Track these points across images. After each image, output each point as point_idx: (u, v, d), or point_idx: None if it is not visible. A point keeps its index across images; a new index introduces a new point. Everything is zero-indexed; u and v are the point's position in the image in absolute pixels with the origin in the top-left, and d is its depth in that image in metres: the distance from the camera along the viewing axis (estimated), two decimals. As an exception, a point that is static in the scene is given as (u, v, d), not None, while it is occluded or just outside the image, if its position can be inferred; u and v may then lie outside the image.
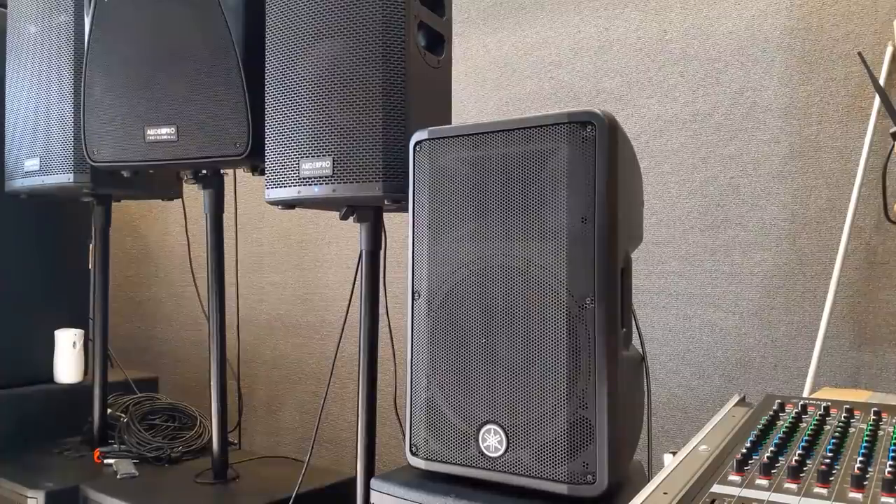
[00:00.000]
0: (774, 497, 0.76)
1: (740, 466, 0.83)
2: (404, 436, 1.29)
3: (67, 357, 2.26)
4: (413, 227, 1.28)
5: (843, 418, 0.99)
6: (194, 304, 2.51)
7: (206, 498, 1.74)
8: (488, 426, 1.18)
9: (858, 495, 0.75)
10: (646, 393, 1.34)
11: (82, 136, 1.73)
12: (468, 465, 1.20)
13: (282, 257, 2.89)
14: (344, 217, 1.52)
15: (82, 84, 1.73)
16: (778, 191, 1.93)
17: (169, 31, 1.63)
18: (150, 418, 2.14)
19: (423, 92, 1.46)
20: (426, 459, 1.25)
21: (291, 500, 1.63)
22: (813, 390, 1.74)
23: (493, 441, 1.18)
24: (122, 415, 2.11)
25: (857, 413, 1.03)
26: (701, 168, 2.04)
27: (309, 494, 1.72)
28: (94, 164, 1.75)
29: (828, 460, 0.82)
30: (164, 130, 1.63)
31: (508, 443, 1.16)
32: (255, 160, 1.60)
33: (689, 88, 2.06)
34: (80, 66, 1.77)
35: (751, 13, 1.98)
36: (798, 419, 1.00)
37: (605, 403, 1.10)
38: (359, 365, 1.54)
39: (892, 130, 1.63)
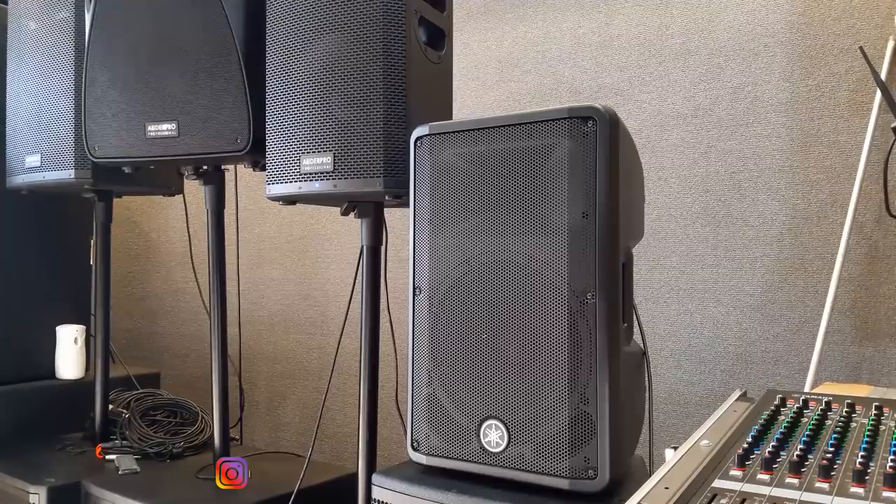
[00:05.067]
0: (776, 492, 0.76)
1: (742, 461, 0.83)
2: (406, 431, 1.29)
3: (69, 353, 2.26)
4: (414, 222, 1.28)
5: (844, 413, 0.99)
6: (195, 300, 2.51)
7: (207, 494, 1.74)
8: (490, 421, 1.19)
9: (860, 490, 0.75)
10: (647, 388, 1.34)
11: (83, 133, 1.73)
12: (470, 461, 1.21)
13: (283, 253, 2.89)
14: (345, 213, 1.52)
15: (83, 80, 1.73)
16: (779, 185, 1.93)
17: (169, 27, 1.62)
18: (151, 414, 2.15)
19: (424, 87, 1.45)
20: (428, 455, 1.25)
21: (293, 496, 1.64)
22: (814, 385, 1.74)
23: (494, 436, 1.18)
24: (124, 410, 2.11)
25: (858, 408, 1.03)
26: (702, 163, 2.03)
27: (310, 490, 1.72)
28: (94, 160, 1.75)
29: (829, 455, 0.82)
30: (164, 126, 1.63)
31: (510, 438, 1.16)
32: (256, 156, 1.60)
33: (691, 83, 2.06)
34: (81, 62, 1.77)
35: (752, 7, 1.97)
36: (799, 414, 1.00)
37: (606, 398, 1.10)
38: (360, 360, 1.54)
39: (893, 125, 1.63)
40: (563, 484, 1.12)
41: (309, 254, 2.81)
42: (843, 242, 1.77)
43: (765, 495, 0.75)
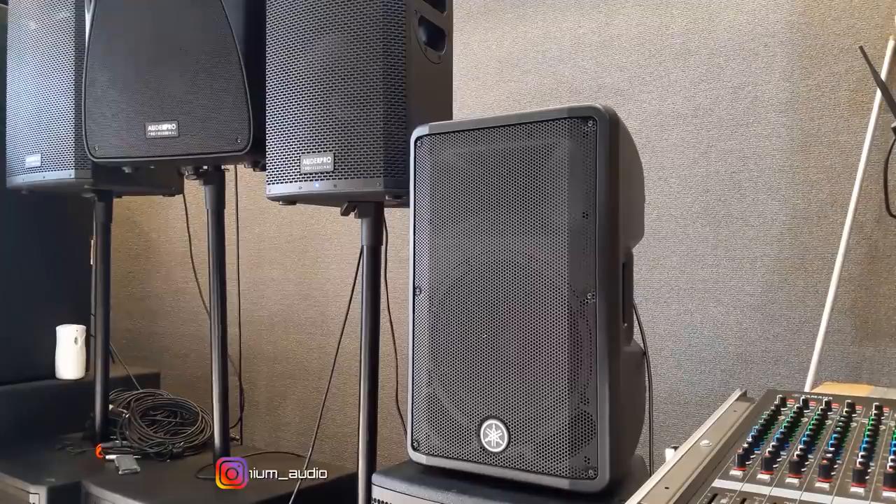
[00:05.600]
0: (776, 492, 0.76)
1: (742, 461, 0.83)
2: (406, 431, 1.29)
3: (69, 353, 2.26)
4: (414, 222, 1.28)
5: (844, 413, 0.99)
6: (196, 300, 2.51)
7: (207, 493, 1.74)
8: (490, 421, 1.19)
9: (860, 490, 0.75)
10: (647, 388, 1.34)
11: (83, 133, 1.73)
12: (470, 461, 1.21)
13: (283, 253, 2.89)
14: (345, 213, 1.52)
15: (83, 80, 1.73)
16: (779, 185, 1.93)
17: (169, 27, 1.62)
18: (151, 414, 2.15)
19: (424, 87, 1.45)
20: (428, 455, 1.25)
21: (293, 496, 1.64)
22: (814, 385, 1.74)
23: (494, 436, 1.18)
24: (124, 410, 2.11)
25: (858, 408, 1.03)
26: (702, 163, 2.03)
27: (310, 490, 1.72)
28: (95, 160, 1.75)
29: (829, 455, 0.82)
30: (165, 126, 1.63)
31: (510, 438, 1.16)
32: (256, 156, 1.60)
33: (691, 83, 2.06)
34: (81, 62, 1.77)
35: (752, 7, 1.97)
36: (799, 414, 1.00)
37: (606, 398, 1.10)
38: (360, 360, 1.54)
39: (893, 125, 1.63)
40: (563, 484, 1.12)
41: (309, 254, 2.81)
42: (843, 242, 1.77)
43: (765, 495, 0.75)
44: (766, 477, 0.80)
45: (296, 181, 1.45)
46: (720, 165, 2.01)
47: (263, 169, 1.55)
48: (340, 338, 1.71)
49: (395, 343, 1.68)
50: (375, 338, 1.55)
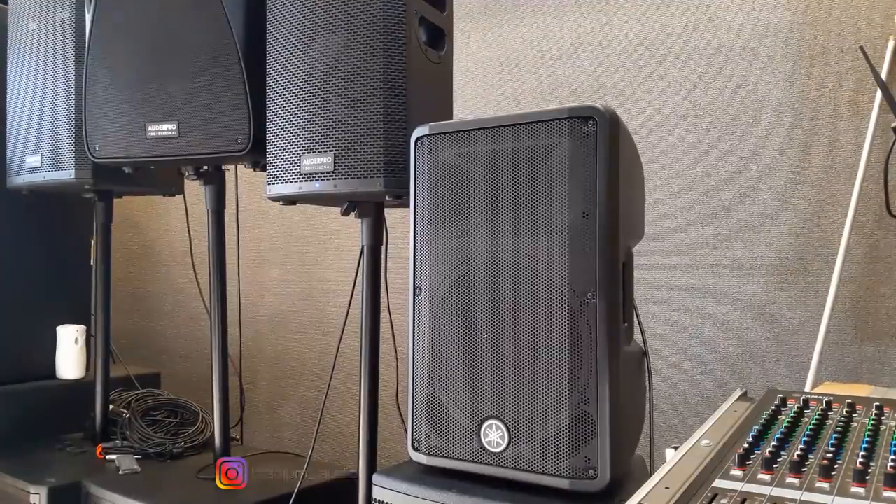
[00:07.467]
0: (776, 492, 0.76)
1: (742, 461, 0.83)
2: (406, 431, 1.29)
3: (69, 353, 2.26)
4: (414, 222, 1.28)
5: (844, 413, 0.99)
6: (196, 300, 2.51)
7: (207, 494, 1.74)
8: (490, 421, 1.19)
9: (860, 490, 0.75)
10: (647, 388, 1.34)
11: (84, 133, 1.73)
12: (470, 461, 1.21)
13: (283, 253, 2.89)
14: (345, 213, 1.52)
15: (83, 80, 1.73)
16: (780, 185, 1.93)
17: (170, 27, 1.62)
18: (152, 414, 2.15)
19: (424, 87, 1.45)
20: (428, 455, 1.25)
21: (293, 496, 1.64)
22: (815, 385, 1.74)
23: (494, 436, 1.18)
24: (125, 411, 2.11)
25: (858, 408, 1.03)
26: (702, 163, 2.03)
27: (311, 490, 1.72)
28: (95, 160, 1.75)
29: (830, 455, 0.82)
30: (165, 126, 1.63)
31: (510, 438, 1.16)
32: (256, 156, 1.60)
33: (691, 83, 2.06)
34: (81, 62, 1.77)
35: (752, 7, 1.97)
36: (800, 414, 1.00)
37: (606, 398, 1.10)
38: (360, 360, 1.54)
39: (893, 125, 1.63)
40: (563, 484, 1.12)
41: (309, 254, 2.81)
42: (843, 242, 1.77)
43: (765, 495, 0.75)
44: (766, 477, 0.80)
45: (296, 181, 1.45)
46: (720, 165, 2.01)
47: (264, 169, 1.56)
48: (340, 338, 1.71)
49: (395, 343, 1.68)
50: (375, 338, 1.55)
